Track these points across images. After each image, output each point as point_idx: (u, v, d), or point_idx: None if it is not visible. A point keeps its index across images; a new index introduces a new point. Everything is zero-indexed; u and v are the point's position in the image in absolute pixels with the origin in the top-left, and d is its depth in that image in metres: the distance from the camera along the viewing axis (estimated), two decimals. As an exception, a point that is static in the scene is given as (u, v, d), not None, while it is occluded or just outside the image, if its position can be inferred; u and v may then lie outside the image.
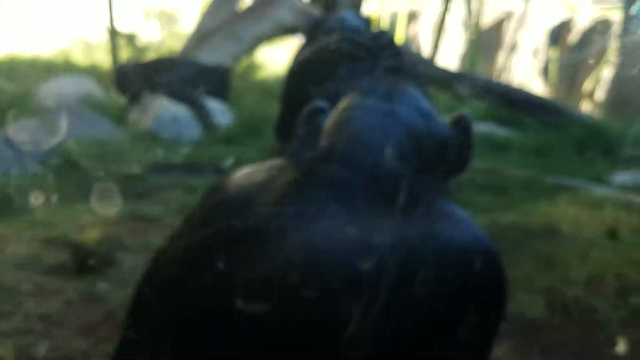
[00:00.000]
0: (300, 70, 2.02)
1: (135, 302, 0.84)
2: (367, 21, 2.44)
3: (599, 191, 3.39)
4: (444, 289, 0.70)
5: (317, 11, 5.50)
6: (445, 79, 4.98)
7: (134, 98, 5.07)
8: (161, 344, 0.77)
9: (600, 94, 7.75)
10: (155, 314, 0.79)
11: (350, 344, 0.66)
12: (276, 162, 0.85)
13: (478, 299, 0.74)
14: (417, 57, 5.22)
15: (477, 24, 7.80)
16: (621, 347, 2.24)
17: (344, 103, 0.91)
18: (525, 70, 8.60)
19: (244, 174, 0.86)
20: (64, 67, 7.39)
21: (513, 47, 8.48)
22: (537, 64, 8.69)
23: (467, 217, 0.78)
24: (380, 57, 1.88)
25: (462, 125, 0.89)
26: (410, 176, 0.78)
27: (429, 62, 5.29)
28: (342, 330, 0.65)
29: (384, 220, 0.71)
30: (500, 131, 4.81)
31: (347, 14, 2.18)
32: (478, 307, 0.74)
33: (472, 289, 0.72)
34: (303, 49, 2.01)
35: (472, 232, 0.75)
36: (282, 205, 0.73)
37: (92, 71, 7.25)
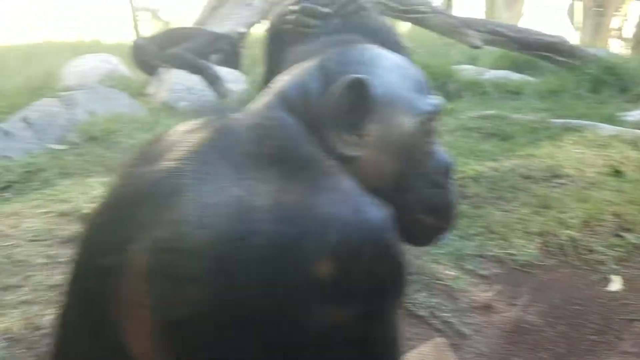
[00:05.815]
0: (267, 33, 2.07)
1: None
2: None
3: (607, 130, 3.30)
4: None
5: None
6: (454, 27, 4.87)
7: (151, 71, 5.15)
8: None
9: (627, 31, 7.46)
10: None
11: None
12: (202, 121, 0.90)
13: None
14: (427, 8, 5.11)
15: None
16: (616, 284, 2.24)
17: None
18: (549, 12, 8.33)
19: (175, 131, 0.91)
20: (92, 47, 7.52)
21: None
22: (561, 5, 8.41)
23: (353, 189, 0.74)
24: (342, 17, 1.92)
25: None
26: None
27: (439, 12, 5.18)
28: None
29: (267, 181, 0.74)
30: (514, 77, 4.70)
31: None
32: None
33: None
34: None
35: (354, 206, 0.71)
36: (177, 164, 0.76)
37: (118, 49, 7.35)
